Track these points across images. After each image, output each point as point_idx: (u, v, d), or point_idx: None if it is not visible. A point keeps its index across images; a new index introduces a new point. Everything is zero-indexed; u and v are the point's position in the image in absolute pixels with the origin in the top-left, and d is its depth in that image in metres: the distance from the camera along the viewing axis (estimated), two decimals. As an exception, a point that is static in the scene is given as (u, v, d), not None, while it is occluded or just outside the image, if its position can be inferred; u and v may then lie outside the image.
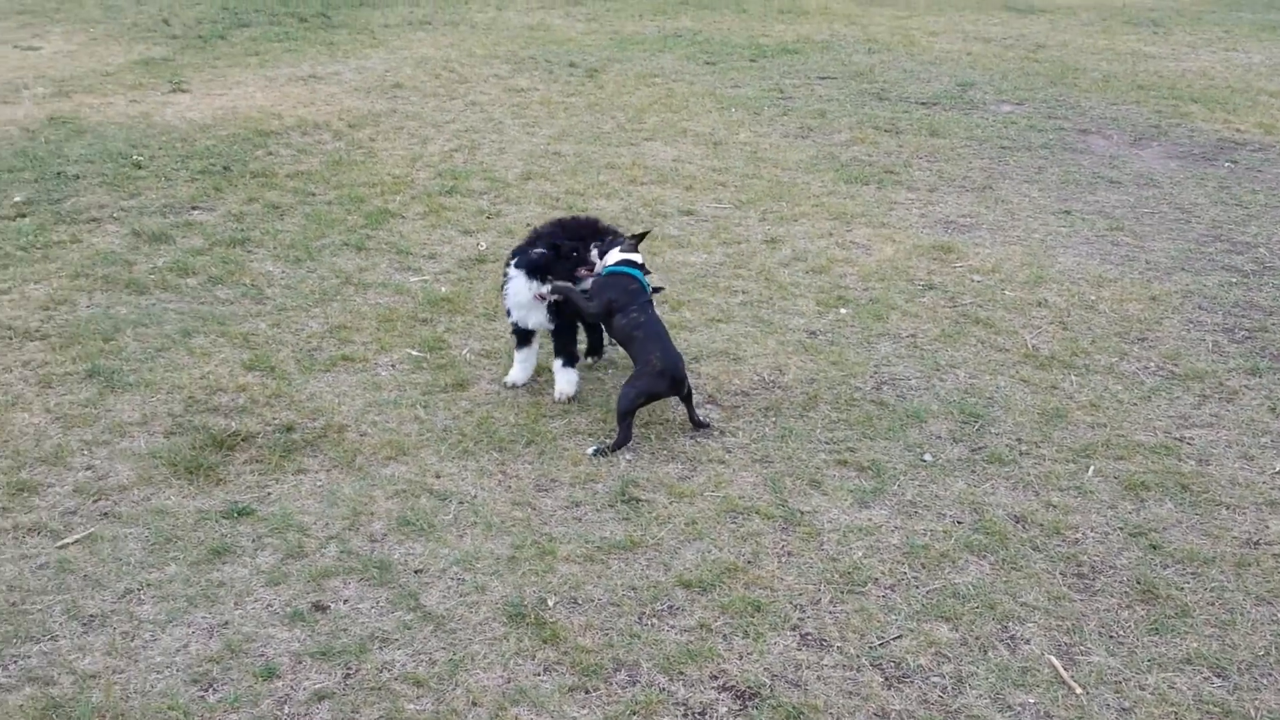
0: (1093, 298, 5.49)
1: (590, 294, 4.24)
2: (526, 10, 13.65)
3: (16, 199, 6.45)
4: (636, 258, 4.31)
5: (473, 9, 13.62)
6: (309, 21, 12.41)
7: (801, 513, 3.71)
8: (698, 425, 4.21)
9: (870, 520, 3.69)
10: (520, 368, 4.50)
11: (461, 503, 3.73)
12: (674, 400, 4.22)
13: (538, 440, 4.12)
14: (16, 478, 3.77)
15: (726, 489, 3.84)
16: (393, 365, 4.67)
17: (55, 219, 6.19)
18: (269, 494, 3.74)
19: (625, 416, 4.06)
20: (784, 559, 3.48)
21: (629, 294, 4.17)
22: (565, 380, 4.41)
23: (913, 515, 3.73)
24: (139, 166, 7.13)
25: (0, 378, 4.42)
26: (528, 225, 5.14)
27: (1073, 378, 4.70)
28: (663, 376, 4.05)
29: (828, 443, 4.15)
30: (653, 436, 4.17)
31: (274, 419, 4.19)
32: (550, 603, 3.25)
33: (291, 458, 3.95)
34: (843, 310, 5.28)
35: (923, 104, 9.31)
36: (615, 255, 4.30)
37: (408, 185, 6.94)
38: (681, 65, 10.65)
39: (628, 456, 4.03)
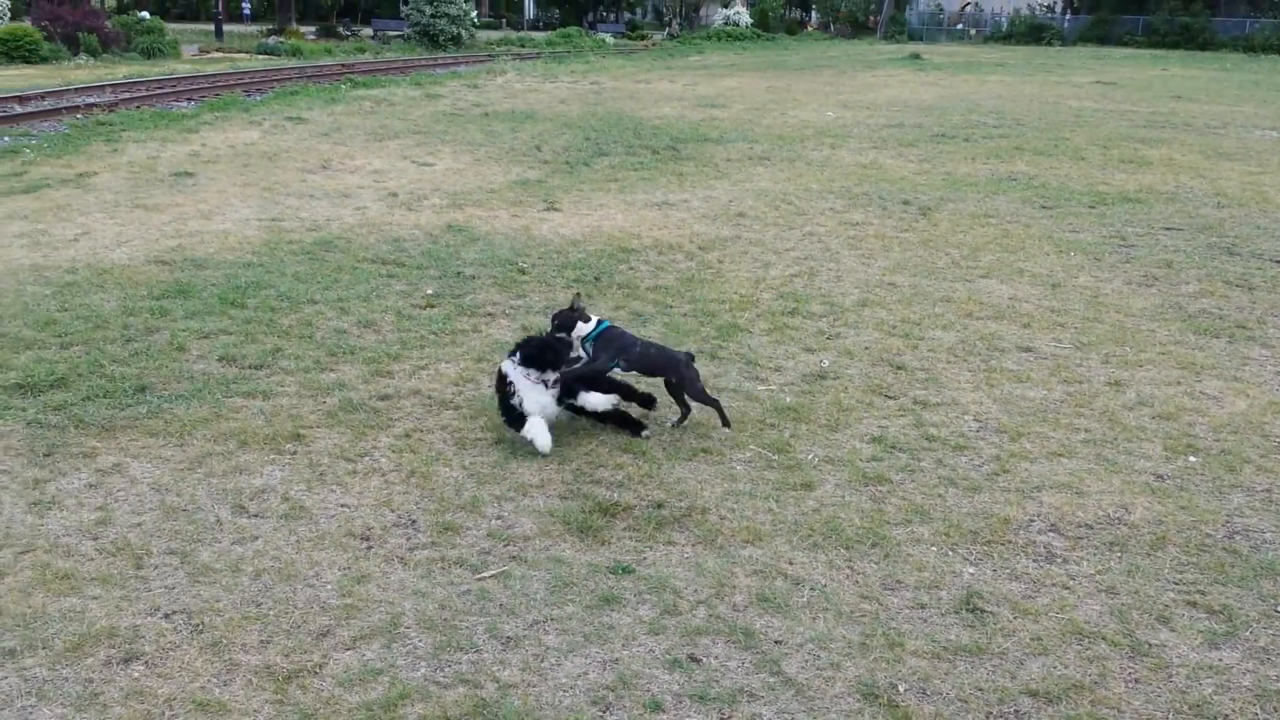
0: None
1: (594, 357, 5.36)
2: (859, 150, 14.30)
3: (429, 291, 7.62)
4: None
5: (807, 147, 14.45)
6: (660, 154, 13.66)
7: (1149, 644, 3.78)
8: (724, 422, 5.45)
9: (1221, 660, 3.70)
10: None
11: (813, 589, 4.09)
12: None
13: (881, 544, 4.42)
14: (442, 519, 4.52)
15: (1071, 613, 3.96)
16: (746, 461, 5.14)
17: (458, 311, 7.26)
18: (645, 558, 4.26)
19: (702, 394, 5.40)
20: (1131, 685, 3.57)
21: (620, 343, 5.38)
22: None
23: (1265, 661, 3.69)
24: (523, 272, 8.19)
25: (426, 437, 5.29)
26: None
27: None
28: (685, 364, 5.37)
29: (1176, 583, 4.18)
30: (995, 555, 4.36)
31: (647, 495, 4.75)
32: (901, 689, 3.51)
33: (662, 530, 4.47)
34: (1192, 458, 5.25)
35: (1278, 262, 8.96)
36: (588, 326, 5.38)
37: (753, 304, 7.55)
38: (1016, 208, 10.82)
39: (970, 570, 4.24)
